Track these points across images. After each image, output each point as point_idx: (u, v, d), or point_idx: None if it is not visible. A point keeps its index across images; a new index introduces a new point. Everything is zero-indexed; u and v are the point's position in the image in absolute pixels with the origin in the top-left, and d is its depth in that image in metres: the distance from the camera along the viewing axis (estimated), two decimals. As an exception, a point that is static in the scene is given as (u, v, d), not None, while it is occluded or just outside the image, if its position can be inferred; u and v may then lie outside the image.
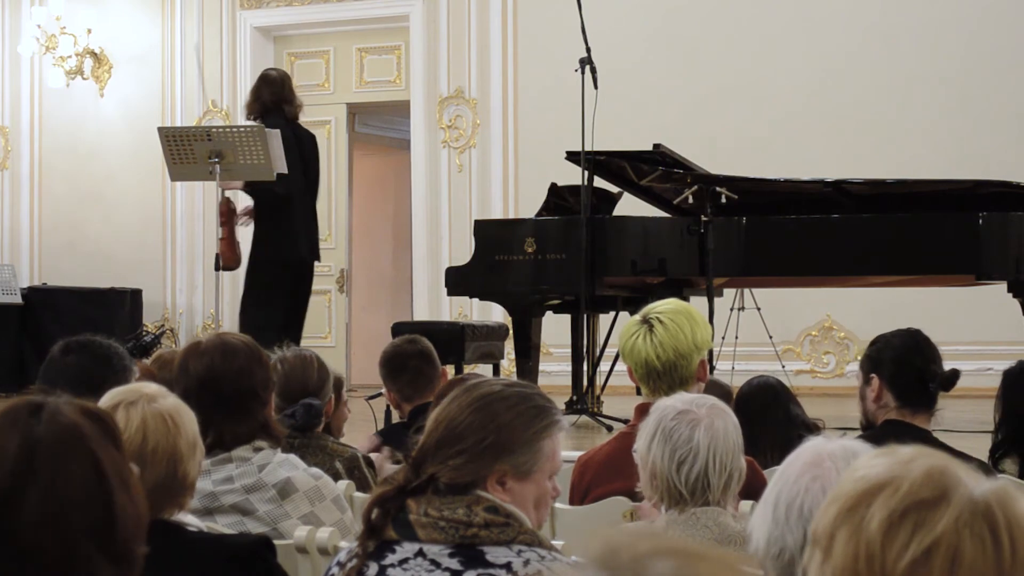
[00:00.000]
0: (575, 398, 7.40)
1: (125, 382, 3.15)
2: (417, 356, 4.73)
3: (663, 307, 3.53)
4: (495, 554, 2.24)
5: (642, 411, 3.28)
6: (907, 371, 3.62)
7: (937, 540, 1.29)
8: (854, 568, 1.31)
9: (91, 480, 1.50)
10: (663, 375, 3.45)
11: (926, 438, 3.48)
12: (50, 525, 1.46)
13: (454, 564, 2.24)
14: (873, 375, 3.64)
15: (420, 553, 2.25)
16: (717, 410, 2.71)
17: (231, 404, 3.13)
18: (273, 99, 8.07)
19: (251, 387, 3.15)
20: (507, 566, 2.23)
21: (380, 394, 5.36)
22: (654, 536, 1.10)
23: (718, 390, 4.19)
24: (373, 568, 2.29)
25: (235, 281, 11.35)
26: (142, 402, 2.51)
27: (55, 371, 3.46)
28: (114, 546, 1.49)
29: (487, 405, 2.30)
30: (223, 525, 3.04)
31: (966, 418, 6.78)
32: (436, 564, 2.25)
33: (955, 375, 3.63)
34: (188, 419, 2.55)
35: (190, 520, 2.64)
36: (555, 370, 8.97)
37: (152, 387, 2.61)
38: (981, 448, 4.30)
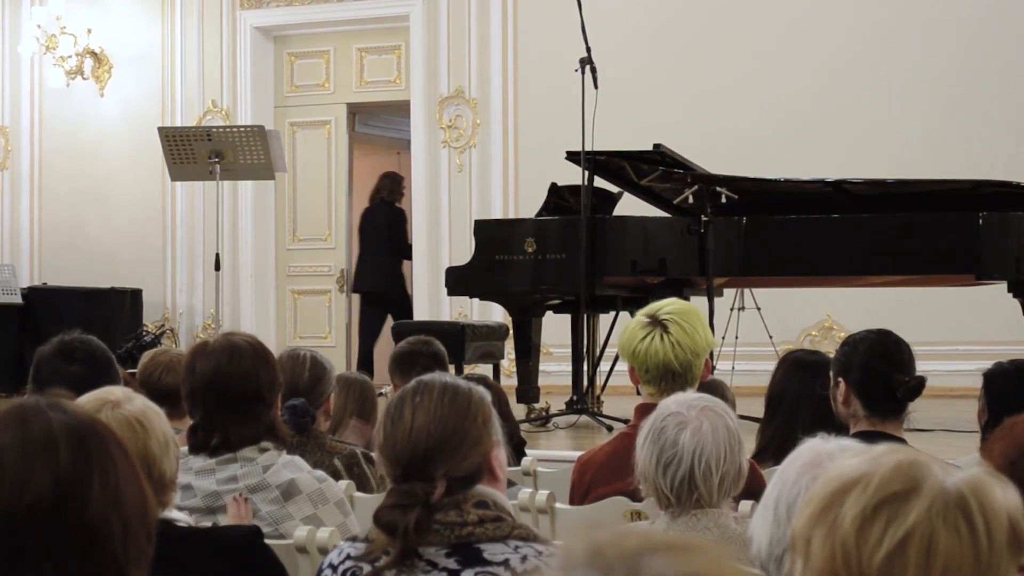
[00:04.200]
0: (575, 398, 7.40)
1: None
2: (430, 357, 4.80)
3: (671, 307, 3.53)
4: (492, 551, 2.24)
5: (642, 411, 3.28)
6: (873, 379, 3.53)
7: (910, 531, 1.30)
8: (831, 568, 1.32)
9: (127, 464, 1.54)
10: (679, 375, 3.45)
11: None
12: (113, 506, 1.49)
13: (451, 564, 2.24)
14: (840, 379, 3.60)
15: (416, 554, 2.25)
16: (709, 411, 2.67)
17: (237, 405, 3.12)
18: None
19: (257, 389, 3.15)
20: (505, 563, 2.23)
21: (383, 393, 5.38)
22: (639, 532, 1.10)
23: (716, 389, 4.16)
24: (367, 569, 2.28)
25: (235, 281, 11.37)
26: (106, 410, 2.48)
27: (55, 375, 3.45)
28: (149, 523, 1.54)
29: (455, 395, 2.33)
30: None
31: (967, 418, 6.78)
32: (433, 564, 2.24)
33: (921, 384, 3.56)
34: (157, 420, 2.54)
35: (176, 516, 2.65)
36: (555, 370, 8.97)
37: (117, 392, 2.58)
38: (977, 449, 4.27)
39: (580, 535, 1.09)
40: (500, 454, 2.37)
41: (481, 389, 2.39)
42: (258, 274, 11.48)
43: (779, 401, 4.26)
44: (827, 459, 1.85)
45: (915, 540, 1.30)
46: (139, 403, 2.55)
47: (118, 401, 2.52)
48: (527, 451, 4.99)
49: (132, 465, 1.55)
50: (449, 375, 2.46)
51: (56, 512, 1.46)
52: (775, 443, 4.12)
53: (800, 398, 4.17)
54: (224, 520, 3.07)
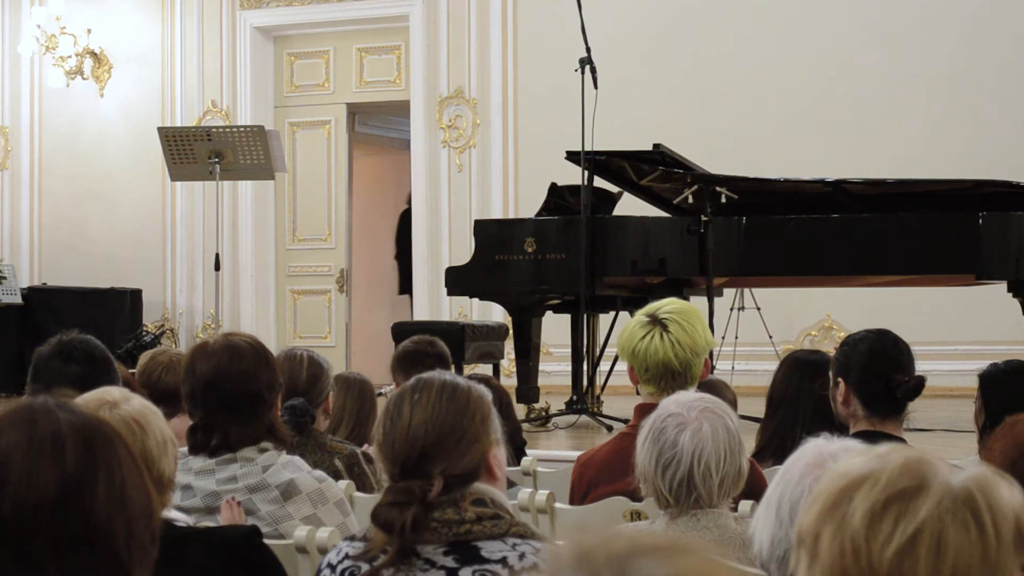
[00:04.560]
0: (575, 398, 7.40)
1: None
2: (434, 357, 4.81)
3: (670, 306, 3.52)
4: (490, 549, 2.24)
5: (642, 411, 3.28)
6: (872, 379, 3.52)
7: (920, 527, 1.30)
8: (841, 564, 1.32)
9: (132, 465, 1.54)
10: (679, 375, 3.44)
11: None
12: (118, 506, 1.49)
13: (449, 562, 2.24)
14: (840, 380, 3.60)
15: (414, 552, 2.25)
16: (709, 412, 2.67)
17: (237, 406, 3.12)
18: None
19: (257, 389, 3.15)
20: (503, 561, 2.23)
21: (382, 393, 5.37)
22: (627, 535, 1.10)
23: (715, 389, 4.16)
24: (365, 568, 2.28)
25: (235, 281, 11.38)
26: (104, 410, 2.47)
27: (54, 376, 3.45)
28: (153, 525, 1.53)
29: (453, 393, 2.33)
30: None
31: (967, 418, 6.77)
32: (431, 563, 2.24)
33: (920, 383, 3.55)
34: (154, 419, 2.54)
35: (175, 515, 2.65)
36: (555, 370, 8.97)
37: (115, 392, 2.58)
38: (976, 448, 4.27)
39: (568, 538, 1.09)
40: (499, 453, 2.37)
41: (481, 387, 2.38)
42: (258, 274, 11.48)
43: (780, 400, 4.26)
44: (830, 459, 1.85)
45: (925, 537, 1.30)
46: (136, 403, 2.55)
47: (116, 401, 2.51)
48: (527, 451, 4.99)
49: (137, 467, 1.55)
50: (449, 373, 2.46)
51: (61, 512, 1.46)
52: (775, 442, 4.12)
53: (800, 397, 4.18)
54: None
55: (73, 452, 1.49)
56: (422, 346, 4.93)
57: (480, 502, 2.28)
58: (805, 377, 4.21)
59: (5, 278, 10.73)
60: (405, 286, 11.34)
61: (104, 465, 1.50)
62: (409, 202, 11.32)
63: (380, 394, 5.45)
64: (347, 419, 4.71)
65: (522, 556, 2.23)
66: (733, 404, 4.25)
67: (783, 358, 4.48)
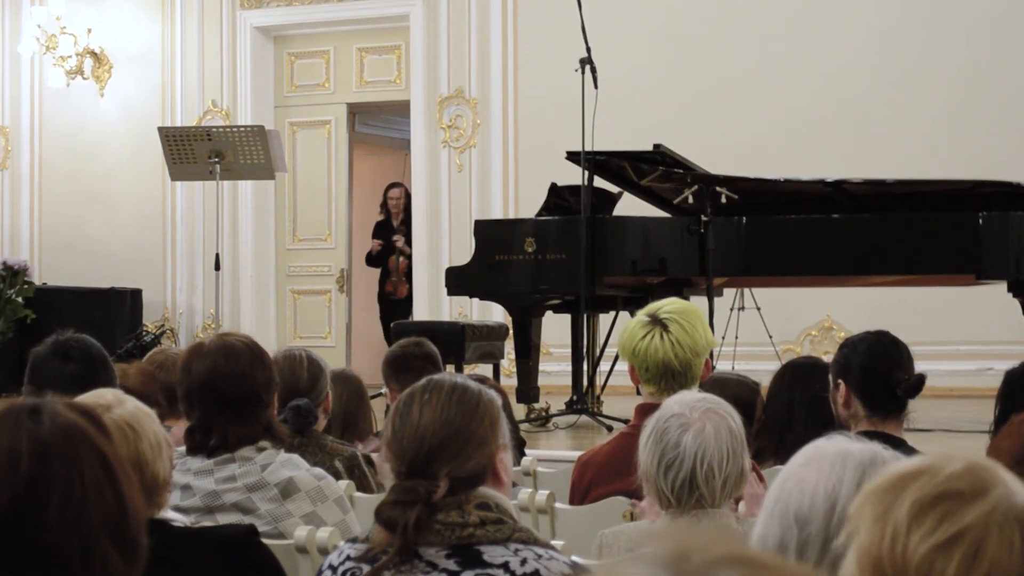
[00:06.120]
0: (575, 398, 7.40)
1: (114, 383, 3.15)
2: (423, 358, 4.77)
3: (671, 306, 3.52)
4: (492, 553, 2.24)
5: (643, 411, 3.28)
6: (873, 379, 3.56)
7: (963, 531, 1.30)
8: (879, 547, 1.32)
9: (102, 477, 1.52)
10: (679, 375, 3.45)
11: (901, 446, 3.39)
12: (71, 524, 1.47)
13: (451, 565, 2.24)
14: (840, 381, 3.61)
15: (416, 555, 2.25)
16: (712, 413, 2.66)
17: (234, 405, 3.12)
18: None
19: (253, 389, 3.15)
20: (504, 566, 2.23)
21: (380, 394, 5.36)
22: (726, 542, 1.10)
23: (744, 388, 4.22)
24: (366, 569, 2.28)
25: (235, 281, 11.37)
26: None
27: (52, 375, 3.44)
28: (126, 541, 1.51)
29: (464, 395, 2.34)
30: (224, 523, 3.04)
31: (967, 418, 6.78)
32: (433, 565, 2.24)
33: (920, 381, 3.57)
34: (148, 422, 2.54)
35: (172, 516, 2.65)
36: (555, 370, 8.96)
37: (108, 396, 2.58)
38: (981, 448, 4.27)
39: (669, 536, 1.09)
40: (506, 458, 2.37)
41: (492, 392, 2.39)
42: (258, 274, 11.48)
43: (775, 402, 4.32)
44: (816, 460, 1.84)
45: (965, 541, 1.29)
46: (130, 406, 2.54)
47: (108, 405, 2.50)
48: (527, 451, 4.99)
49: (112, 479, 1.52)
50: (461, 376, 2.45)
51: (12, 528, 1.44)
52: (774, 442, 4.16)
53: (795, 398, 4.24)
54: (223, 518, 3.07)
55: (27, 469, 1.46)
56: (409, 348, 4.88)
57: (484, 506, 2.28)
58: (798, 379, 4.29)
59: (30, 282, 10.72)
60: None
61: (61, 483, 1.47)
62: (382, 207, 11.48)
63: (379, 395, 5.44)
64: (340, 416, 4.70)
65: (524, 561, 2.23)
66: (754, 396, 4.31)
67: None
